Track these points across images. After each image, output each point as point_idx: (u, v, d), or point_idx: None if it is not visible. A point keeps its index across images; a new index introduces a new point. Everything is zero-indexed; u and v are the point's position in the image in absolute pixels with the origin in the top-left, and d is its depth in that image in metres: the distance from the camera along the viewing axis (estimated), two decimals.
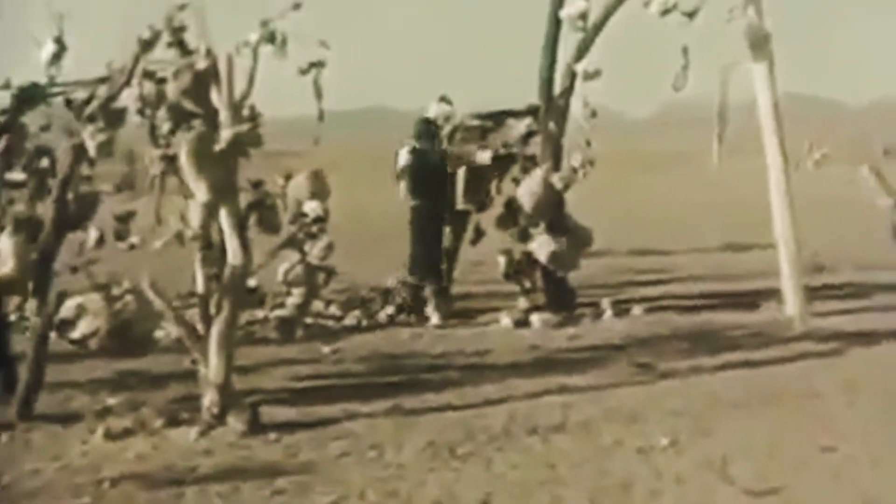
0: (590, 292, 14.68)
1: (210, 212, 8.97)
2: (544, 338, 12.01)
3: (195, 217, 9.37)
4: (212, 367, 8.39)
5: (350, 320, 13.21)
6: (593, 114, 13.44)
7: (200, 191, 8.61)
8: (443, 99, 15.50)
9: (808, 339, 11.56)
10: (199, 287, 8.78)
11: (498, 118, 13.59)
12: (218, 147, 8.87)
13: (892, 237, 12.52)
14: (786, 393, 9.29)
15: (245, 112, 14.89)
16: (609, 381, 9.89)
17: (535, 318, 12.82)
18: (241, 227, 8.75)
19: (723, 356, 10.78)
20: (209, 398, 8.36)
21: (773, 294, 13.69)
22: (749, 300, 14.04)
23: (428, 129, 13.80)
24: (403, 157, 13.71)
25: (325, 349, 11.61)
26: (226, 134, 8.80)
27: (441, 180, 13.72)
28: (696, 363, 10.55)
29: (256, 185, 14.76)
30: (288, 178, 14.28)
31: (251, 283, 13.73)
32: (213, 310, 8.59)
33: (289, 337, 12.39)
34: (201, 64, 9.29)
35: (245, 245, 8.67)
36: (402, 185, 13.77)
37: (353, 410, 9.03)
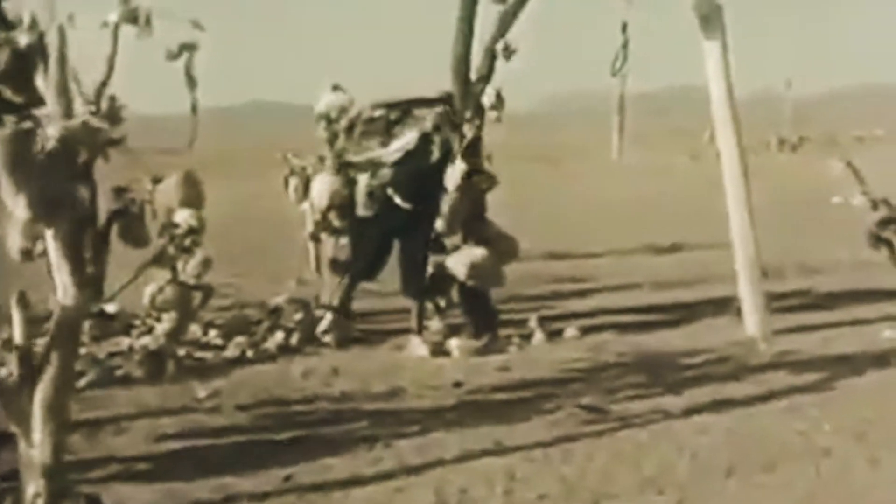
0: (511, 306, 12.75)
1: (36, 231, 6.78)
2: (468, 371, 9.97)
3: (16, 239, 7.20)
4: (37, 443, 6.17)
5: (232, 351, 10.98)
6: (499, 98, 11.52)
7: (19, 206, 6.37)
8: (336, 88, 13.38)
9: (782, 366, 9.72)
10: (17, 335, 6.46)
11: (404, 107, 11.45)
12: (46, 147, 6.63)
13: (869, 242, 10.81)
14: (785, 449, 7.37)
15: (104, 104, 12.80)
16: (556, 433, 7.87)
17: (454, 345, 10.79)
18: (75, 255, 6.51)
19: (688, 393, 8.85)
20: (33, 487, 6.14)
21: (721, 306, 11.95)
22: (695, 314, 12.27)
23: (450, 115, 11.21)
24: (403, 143, 11.18)
25: (201, 392, 9.40)
26: (53, 131, 6.56)
27: (440, 178, 11.15)
28: (656, 404, 8.59)
29: (119, 190, 12.57)
30: (157, 181, 12.10)
31: (110, 308, 11.60)
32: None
33: (157, 375, 10.16)
34: (23, 39, 7.02)
35: (81, 279, 6.45)
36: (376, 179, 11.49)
37: (231, 488, 6.89)
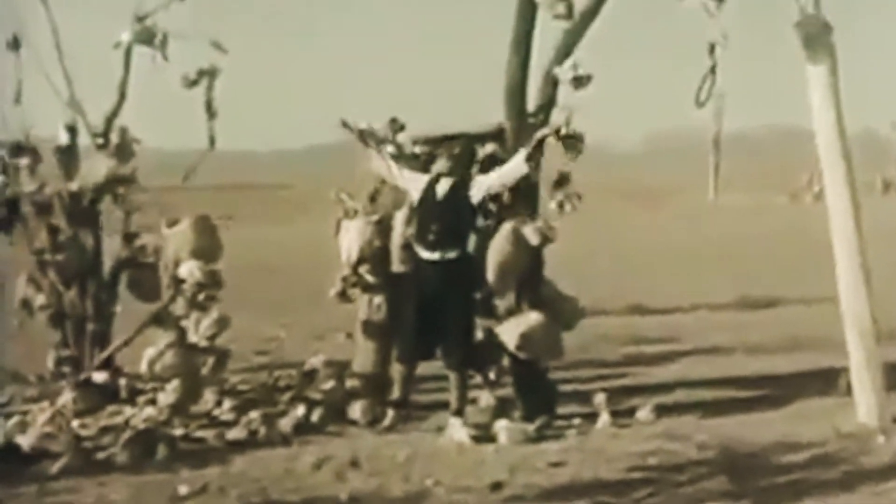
0: (577, 374, 11.03)
1: None
2: (514, 464, 8.12)
3: None
4: None
5: (239, 432, 9.24)
6: (580, 138, 9.65)
7: None
8: (393, 121, 11.70)
9: None
10: None
11: (447, 144, 9.66)
12: None
13: None
14: None
15: (114, 136, 11.28)
16: None
17: (501, 429, 8.98)
18: None
19: None
20: None
21: (827, 380, 10.00)
22: (795, 391, 10.33)
23: (470, 152, 9.67)
24: (415, 191, 9.48)
25: (183, 488, 7.71)
26: None
27: (468, 225, 9.45)
28: None
29: (129, 236, 11.04)
30: (173, 224, 10.53)
31: (99, 377, 10.03)
32: None
33: (143, 460, 8.51)
34: None
35: None
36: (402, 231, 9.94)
37: None
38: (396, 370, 9.74)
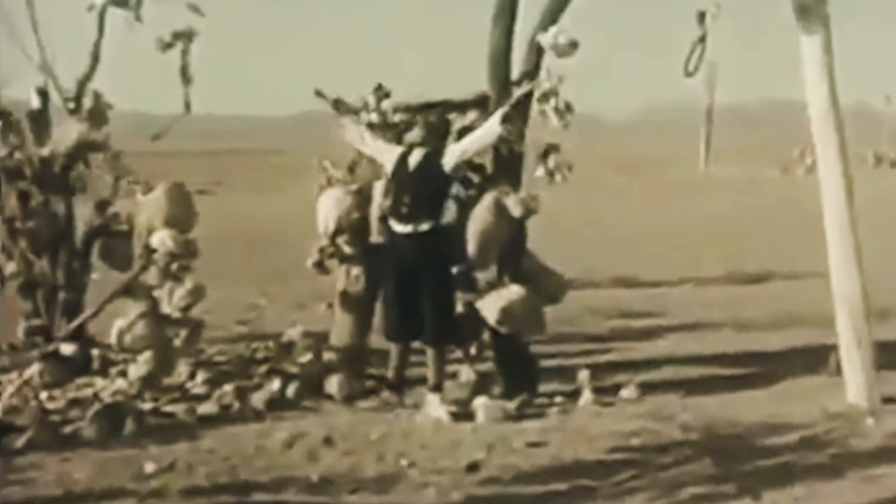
0: (562, 349, 10.78)
1: None
2: (492, 444, 7.83)
3: None
4: None
5: (210, 406, 8.98)
6: (567, 107, 9.36)
7: None
8: (378, 89, 11.42)
9: None
10: None
11: (427, 112, 9.35)
12: None
13: None
14: None
15: (87, 100, 10.95)
16: None
17: (479, 406, 8.71)
18: None
19: (770, 498, 6.69)
20: None
21: (816, 357, 9.74)
22: (783, 369, 10.11)
23: (445, 122, 9.34)
24: (388, 162, 9.16)
25: (149, 465, 7.44)
26: None
27: (442, 195, 9.08)
28: None
29: (102, 204, 10.73)
30: (149, 191, 10.23)
31: (67, 349, 9.74)
32: None
33: (110, 435, 8.25)
34: None
35: None
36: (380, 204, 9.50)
37: None
38: (391, 349, 9.41)
